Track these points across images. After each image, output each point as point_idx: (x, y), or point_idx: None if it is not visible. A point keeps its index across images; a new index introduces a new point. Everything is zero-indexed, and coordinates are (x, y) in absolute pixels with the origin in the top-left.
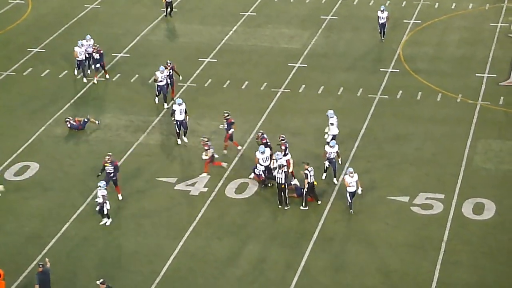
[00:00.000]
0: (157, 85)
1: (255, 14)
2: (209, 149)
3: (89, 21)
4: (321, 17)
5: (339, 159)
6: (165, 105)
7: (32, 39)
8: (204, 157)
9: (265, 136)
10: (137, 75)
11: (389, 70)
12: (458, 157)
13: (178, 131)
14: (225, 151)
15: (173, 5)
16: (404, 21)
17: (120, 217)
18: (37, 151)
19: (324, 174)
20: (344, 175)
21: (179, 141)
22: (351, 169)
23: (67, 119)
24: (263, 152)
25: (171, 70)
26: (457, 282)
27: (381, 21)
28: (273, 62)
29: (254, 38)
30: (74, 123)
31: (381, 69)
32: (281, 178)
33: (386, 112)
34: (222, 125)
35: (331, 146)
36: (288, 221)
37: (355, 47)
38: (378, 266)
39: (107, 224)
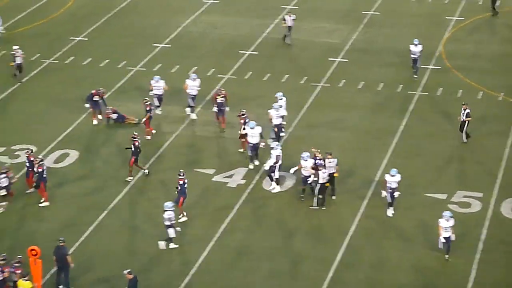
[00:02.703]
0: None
1: (296, 7)
2: (42, 161)
3: (130, 11)
4: (362, 12)
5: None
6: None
7: (74, 28)
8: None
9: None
10: (177, 66)
11: (430, 66)
12: (498, 156)
13: (250, 154)
14: (148, 137)
15: None
16: (447, 17)
17: (156, 207)
18: (76, 139)
19: (390, 210)
20: (439, 218)
21: (250, 166)
22: (449, 213)
23: (108, 110)
24: (306, 160)
25: (223, 98)
26: (494, 282)
27: (414, 56)
28: (313, 56)
29: (295, 32)
30: (115, 116)
31: (422, 66)
32: (324, 178)
33: (425, 109)
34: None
35: (392, 175)
36: (325, 216)
37: (396, 43)
38: (413, 263)
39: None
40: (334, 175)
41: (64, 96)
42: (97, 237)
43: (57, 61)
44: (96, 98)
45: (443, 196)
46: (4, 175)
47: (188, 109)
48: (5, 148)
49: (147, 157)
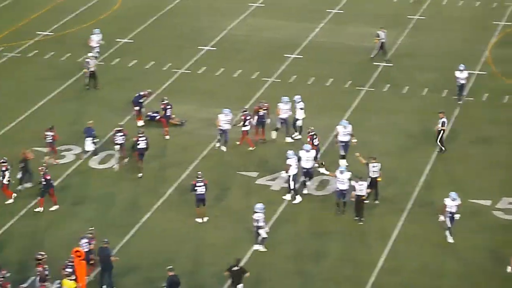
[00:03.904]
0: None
1: (342, 12)
2: (46, 169)
3: (177, 13)
4: (408, 17)
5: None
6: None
7: (121, 30)
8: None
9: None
10: (222, 69)
11: (476, 72)
12: None
13: (304, 179)
14: (167, 137)
15: (260, 0)
16: (494, 22)
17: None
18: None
19: (449, 236)
20: None
21: (305, 191)
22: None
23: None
24: (341, 172)
25: (265, 111)
26: None
27: (460, 81)
28: (358, 60)
29: (340, 36)
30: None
31: (468, 70)
32: (362, 190)
33: (470, 114)
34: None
35: (452, 199)
36: (367, 220)
37: (442, 48)
38: (456, 268)
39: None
40: (377, 179)
41: (109, 98)
42: (141, 238)
43: (103, 63)
44: (142, 100)
45: (487, 203)
46: (121, 133)
47: (274, 133)
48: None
49: (192, 158)
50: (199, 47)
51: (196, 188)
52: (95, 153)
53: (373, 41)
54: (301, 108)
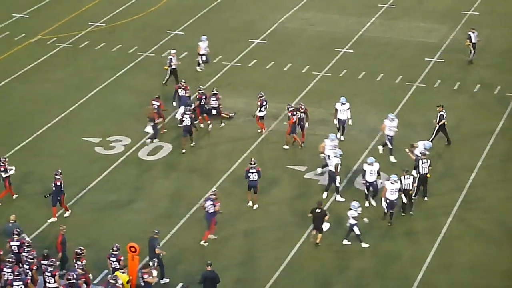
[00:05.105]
0: None
1: (393, 6)
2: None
3: (228, 6)
4: (461, 12)
5: None
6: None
7: (172, 22)
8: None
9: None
10: (272, 62)
11: None
12: None
13: (367, 192)
14: (202, 125)
15: None
16: None
17: (246, 201)
18: (170, 133)
19: None
20: None
21: (366, 203)
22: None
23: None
24: (394, 182)
25: (302, 113)
26: None
27: None
28: (409, 56)
29: (391, 31)
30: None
31: None
32: (409, 184)
33: None
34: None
35: None
36: (416, 217)
37: (495, 44)
38: (506, 268)
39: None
40: (427, 176)
41: (160, 89)
42: (189, 229)
43: (153, 55)
44: (181, 92)
45: None
46: (214, 98)
47: (380, 147)
48: (100, 139)
49: (241, 151)
50: (249, 40)
51: (249, 174)
52: (181, 121)
53: (466, 44)
54: (348, 109)
